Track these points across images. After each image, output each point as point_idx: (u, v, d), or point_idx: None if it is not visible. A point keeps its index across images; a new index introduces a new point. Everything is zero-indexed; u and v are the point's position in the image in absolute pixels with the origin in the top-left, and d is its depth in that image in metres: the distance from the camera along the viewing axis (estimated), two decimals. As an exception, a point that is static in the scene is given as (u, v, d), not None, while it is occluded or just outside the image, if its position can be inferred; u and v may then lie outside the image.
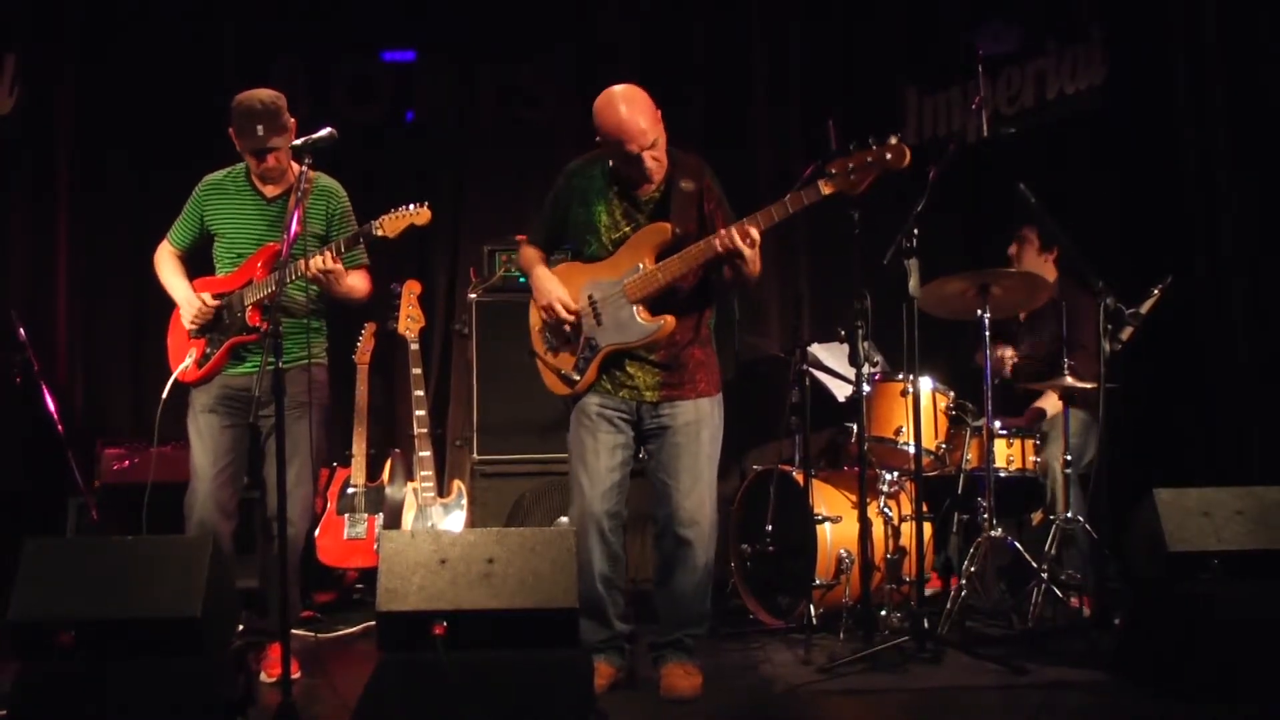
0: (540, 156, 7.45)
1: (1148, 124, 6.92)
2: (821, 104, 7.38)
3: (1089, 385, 5.73)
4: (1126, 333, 5.76)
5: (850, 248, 5.26)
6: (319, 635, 6.09)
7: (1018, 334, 6.63)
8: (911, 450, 5.69)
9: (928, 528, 5.88)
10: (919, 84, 7.93)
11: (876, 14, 7.95)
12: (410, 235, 7.32)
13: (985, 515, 5.78)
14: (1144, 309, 5.77)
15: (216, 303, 5.23)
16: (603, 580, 4.92)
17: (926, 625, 5.29)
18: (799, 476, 6.08)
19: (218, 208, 5.31)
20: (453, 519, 6.65)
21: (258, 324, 5.13)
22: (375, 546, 6.59)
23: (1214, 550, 4.68)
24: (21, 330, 6.69)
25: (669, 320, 4.81)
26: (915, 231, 5.27)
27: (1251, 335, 6.44)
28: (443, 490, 6.77)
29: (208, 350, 5.23)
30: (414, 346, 6.71)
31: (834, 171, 4.56)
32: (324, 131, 4.56)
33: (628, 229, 4.90)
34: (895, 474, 6.15)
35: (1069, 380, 5.76)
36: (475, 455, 6.88)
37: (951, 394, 6.20)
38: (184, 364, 5.25)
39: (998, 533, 5.78)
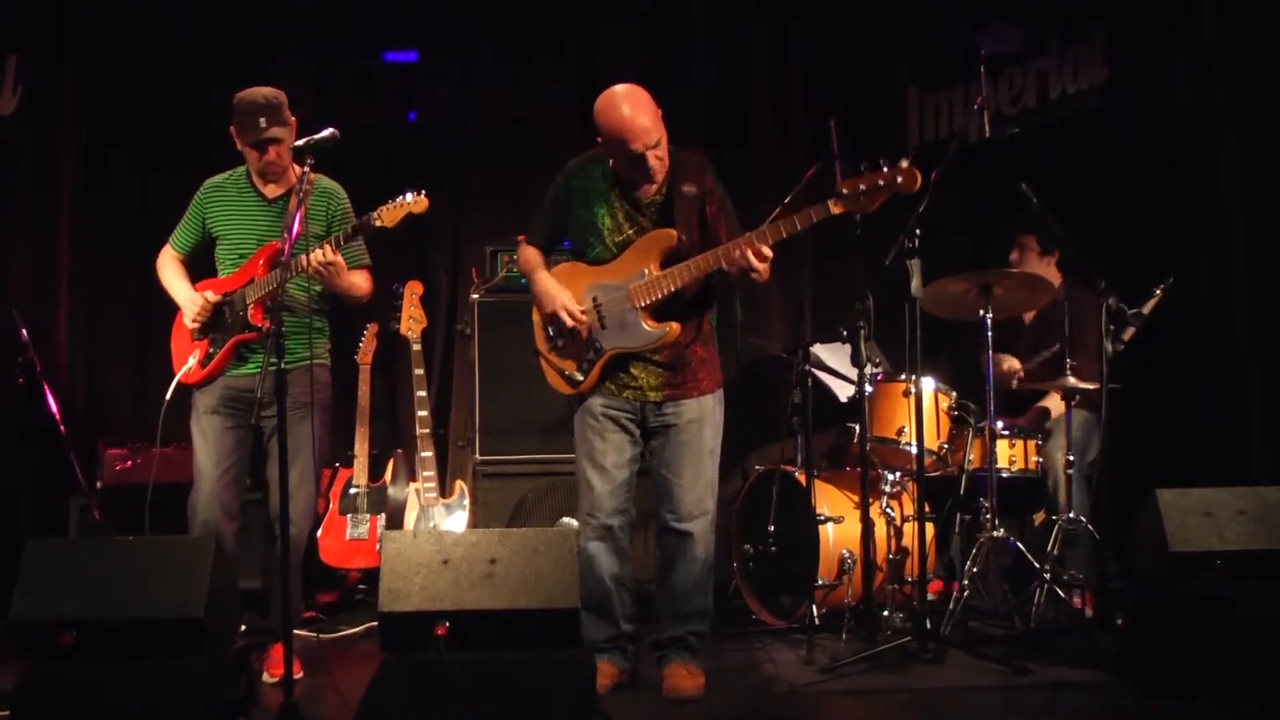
0: (542, 156, 7.43)
1: (1149, 124, 6.93)
2: (823, 103, 7.37)
3: (1092, 386, 5.73)
4: (1129, 333, 5.76)
5: (852, 248, 5.25)
6: (321, 636, 6.09)
7: (1022, 337, 6.60)
8: (914, 450, 5.68)
9: (930, 528, 5.88)
10: (920, 83, 7.93)
11: (878, 13, 7.95)
12: (412, 235, 7.40)
13: (987, 515, 5.78)
14: (1146, 309, 5.77)
15: (217, 298, 5.24)
16: (611, 578, 4.94)
17: (929, 625, 5.29)
18: (801, 477, 6.08)
19: (219, 210, 5.32)
20: (455, 519, 6.65)
21: (260, 322, 5.14)
22: (377, 547, 6.59)
23: (1216, 550, 4.68)
24: (24, 330, 6.69)
25: (674, 327, 4.82)
26: (917, 232, 5.26)
27: (1254, 335, 6.45)
28: (445, 491, 6.78)
29: (211, 350, 5.24)
30: (416, 347, 6.71)
31: (845, 192, 4.56)
32: (326, 132, 4.56)
33: (631, 232, 4.90)
34: (897, 474, 6.15)
35: (1072, 381, 5.76)
36: (477, 455, 6.87)
37: (954, 394, 6.19)
38: (187, 365, 5.26)
39: (1000, 533, 5.78)
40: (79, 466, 6.60)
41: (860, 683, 5.02)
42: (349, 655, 5.84)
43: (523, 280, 6.54)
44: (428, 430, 6.65)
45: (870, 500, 5.63)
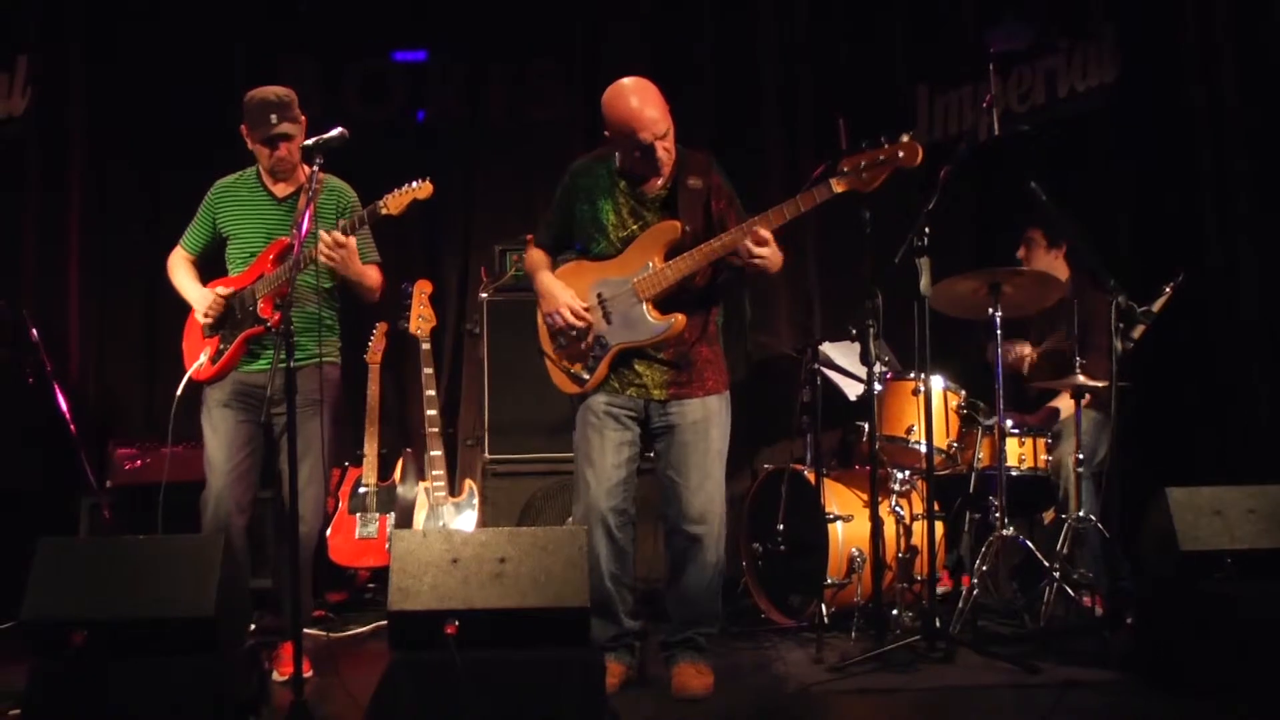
0: (551, 156, 7.44)
1: (1159, 122, 6.91)
2: (832, 102, 7.37)
3: (1101, 384, 5.73)
4: (1138, 331, 5.75)
5: (861, 246, 5.25)
6: (331, 634, 6.11)
7: (1031, 328, 6.59)
8: (923, 449, 5.68)
9: (939, 527, 5.89)
10: (930, 82, 7.92)
11: (887, 12, 7.94)
12: (421, 234, 7.41)
13: (997, 514, 5.77)
14: (1156, 307, 5.76)
15: (228, 292, 5.25)
16: (611, 578, 4.93)
17: (938, 624, 5.29)
18: (810, 475, 6.08)
19: (230, 209, 5.34)
20: (464, 518, 6.65)
21: (269, 315, 5.15)
22: (387, 546, 6.58)
23: (1226, 549, 4.68)
24: (34, 330, 6.71)
25: (680, 318, 4.81)
26: (926, 230, 5.26)
27: (1264, 333, 6.43)
28: (454, 489, 6.78)
29: (221, 346, 5.26)
30: (425, 346, 6.72)
31: (846, 169, 4.55)
32: (335, 131, 4.57)
33: (635, 227, 4.90)
34: (907, 473, 6.15)
35: (1081, 379, 5.75)
36: (487, 454, 6.88)
37: (963, 393, 6.19)
38: (198, 361, 5.27)
39: (1009, 532, 5.77)
40: (89, 466, 6.61)
41: (870, 682, 5.01)
42: (358, 654, 5.85)
43: (531, 279, 6.58)
44: (437, 429, 6.66)
45: (879, 499, 5.63)
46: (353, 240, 5.08)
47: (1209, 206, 6.66)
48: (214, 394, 5.29)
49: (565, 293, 4.94)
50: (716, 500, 4.93)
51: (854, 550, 5.94)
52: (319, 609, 6.43)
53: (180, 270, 5.43)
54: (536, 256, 5.16)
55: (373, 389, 6.94)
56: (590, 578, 4.20)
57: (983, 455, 6.08)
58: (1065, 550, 5.77)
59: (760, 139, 7.95)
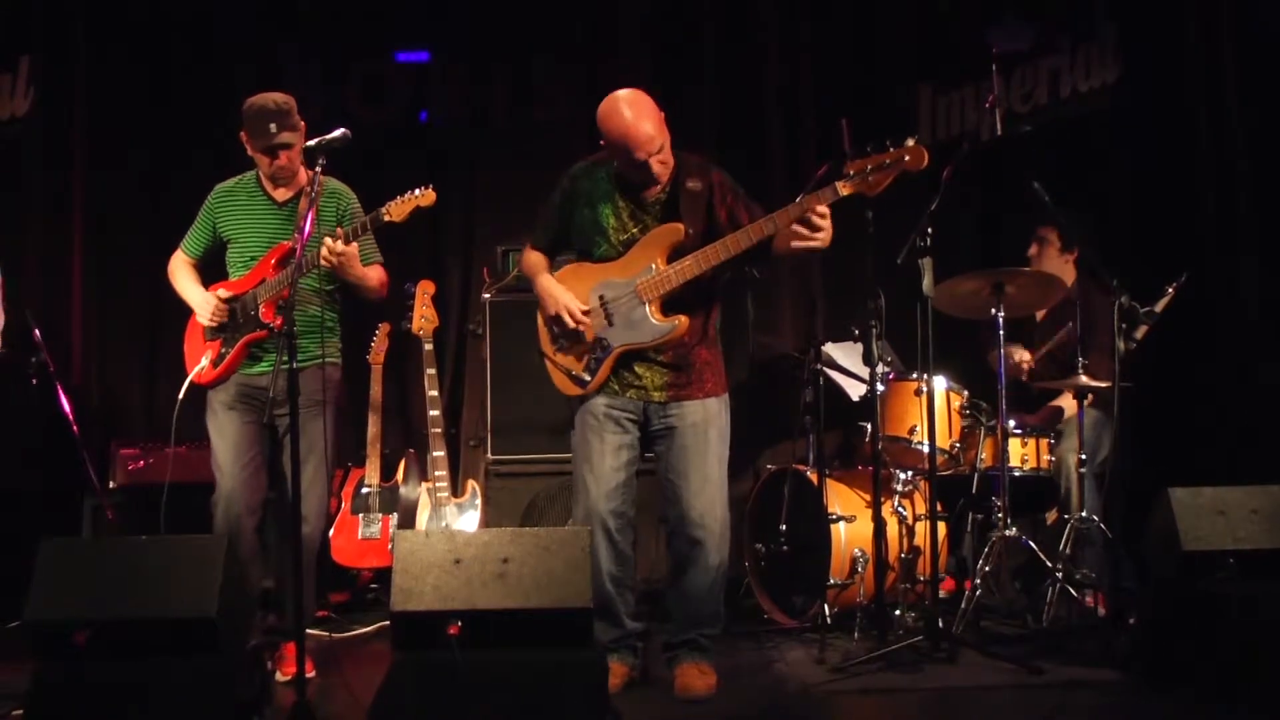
0: (553, 156, 7.39)
1: (1161, 122, 6.91)
2: (834, 103, 7.37)
3: (1104, 384, 5.72)
4: (1141, 331, 5.74)
5: (864, 247, 5.25)
6: (334, 635, 6.11)
7: (1034, 333, 6.60)
8: (925, 449, 5.68)
9: (942, 527, 5.89)
10: (933, 82, 7.92)
11: (890, 12, 7.94)
12: (424, 235, 7.42)
13: (999, 514, 5.77)
14: (1159, 308, 5.76)
15: (230, 295, 5.26)
16: (611, 580, 4.93)
17: (941, 625, 5.29)
18: (813, 476, 6.08)
19: (230, 213, 5.35)
20: (467, 519, 6.65)
21: (271, 320, 5.16)
22: (389, 546, 6.58)
23: (1229, 549, 4.68)
24: (37, 331, 6.71)
25: (683, 320, 4.81)
26: (929, 230, 5.26)
27: (1267, 333, 6.43)
28: (457, 490, 6.78)
29: (223, 350, 5.26)
30: (428, 347, 6.72)
31: (852, 173, 4.55)
32: (337, 132, 4.57)
33: (635, 230, 4.90)
34: (909, 473, 6.15)
35: (1084, 379, 5.75)
36: (489, 455, 6.88)
37: (965, 393, 6.18)
38: (200, 365, 5.28)
39: (1012, 532, 5.77)
40: (92, 467, 6.61)
41: (873, 682, 5.02)
42: (361, 654, 5.85)
43: (532, 281, 6.57)
44: (439, 430, 6.66)
45: (882, 499, 5.63)
46: (353, 247, 5.09)
47: (1211, 206, 6.66)
48: (218, 396, 5.29)
49: (565, 295, 4.94)
50: (718, 502, 4.93)
51: (856, 551, 5.94)
52: (322, 609, 6.43)
53: (181, 273, 5.44)
54: (534, 259, 5.16)
55: (375, 390, 6.94)
56: (591, 580, 4.21)
57: (985, 455, 6.08)
58: (1068, 550, 5.77)
59: (762, 139, 7.94)
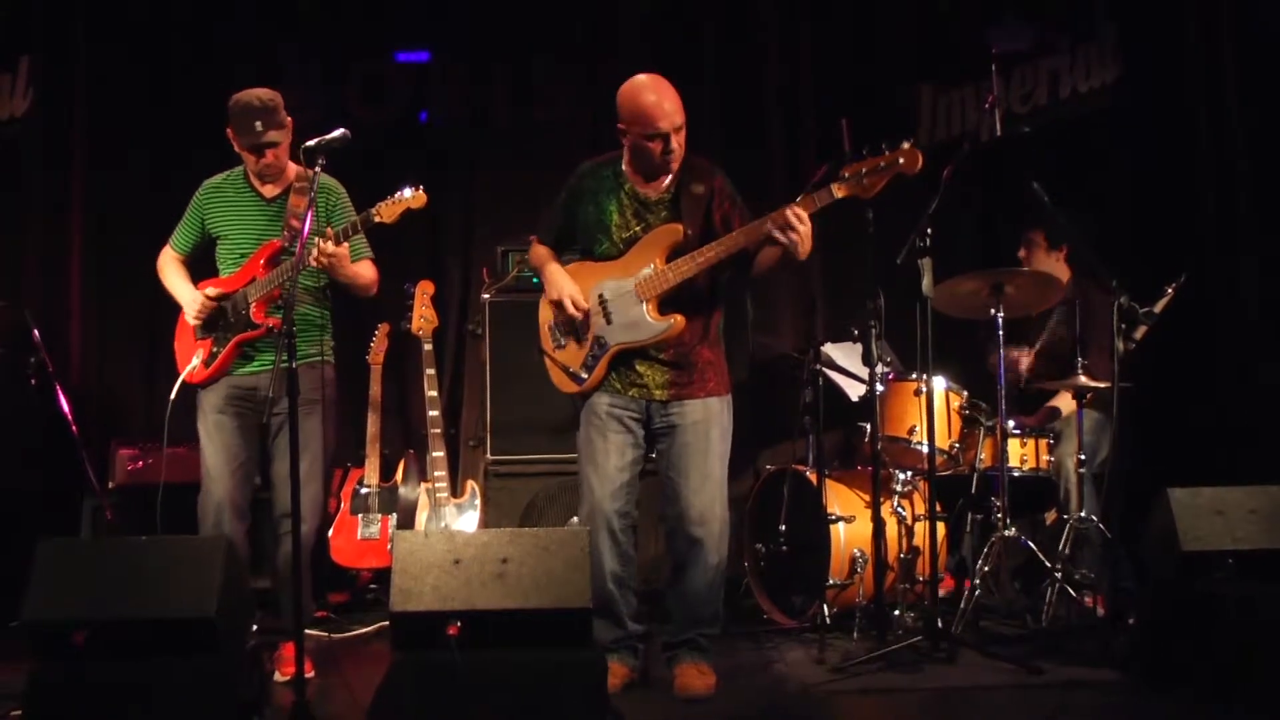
0: (553, 156, 7.42)
1: (1161, 122, 6.91)
2: (835, 103, 7.37)
3: (1103, 384, 5.73)
4: (1140, 331, 5.75)
5: (863, 247, 5.26)
6: (332, 635, 6.11)
7: (1029, 331, 6.59)
8: (925, 450, 5.68)
9: (941, 527, 5.89)
10: (933, 82, 7.92)
11: (890, 12, 7.94)
12: (423, 235, 7.42)
13: (999, 515, 5.77)
14: (1158, 308, 5.76)
15: (218, 293, 5.25)
16: (614, 580, 4.93)
17: (940, 625, 5.29)
18: (812, 476, 6.08)
19: (218, 210, 5.35)
20: (466, 519, 6.65)
21: (262, 320, 5.16)
22: (389, 547, 6.58)
23: (1228, 549, 4.68)
24: (35, 331, 6.71)
25: (679, 319, 4.82)
26: (929, 230, 5.27)
27: (1267, 333, 6.43)
28: (456, 490, 6.78)
29: (214, 349, 5.26)
30: (427, 347, 6.72)
31: (847, 175, 4.57)
32: (337, 132, 4.57)
33: (638, 228, 4.91)
34: (909, 473, 6.15)
35: (1083, 379, 5.76)
36: (489, 455, 6.88)
37: (965, 393, 6.19)
38: (191, 365, 5.27)
39: (1011, 532, 5.77)
40: (91, 467, 6.61)
41: (872, 682, 5.02)
42: (360, 655, 5.85)
43: (534, 280, 6.59)
44: (439, 430, 6.65)
45: (881, 499, 5.64)
46: (344, 247, 5.09)
47: (1210, 206, 6.66)
48: (208, 399, 5.28)
49: (570, 283, 4.97)
50: (718, 502, 4.94)
51: (856, 551, 5.94)
52: (321, 610, 6.43)
53: (170, 270, 5.43)
54: (542, 251, 5.18)
55: (375, 390, 6.94)
56: (593, 579, 4.21)
57: (984, 456, 6.09)
58: (1067, 551, 5.77)
59: (762, 139, 7.95)
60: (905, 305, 5.42)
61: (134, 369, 7.70)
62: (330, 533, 6.67)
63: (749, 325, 6.92)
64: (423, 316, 6.71)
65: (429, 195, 5.04)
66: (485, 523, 6.66)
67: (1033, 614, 5.78)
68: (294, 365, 4.35)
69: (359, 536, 6.78)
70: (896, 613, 5.86)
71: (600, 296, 4.92)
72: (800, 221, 4.58)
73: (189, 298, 5.32)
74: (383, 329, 6.95)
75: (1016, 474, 6.02)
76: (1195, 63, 6.74)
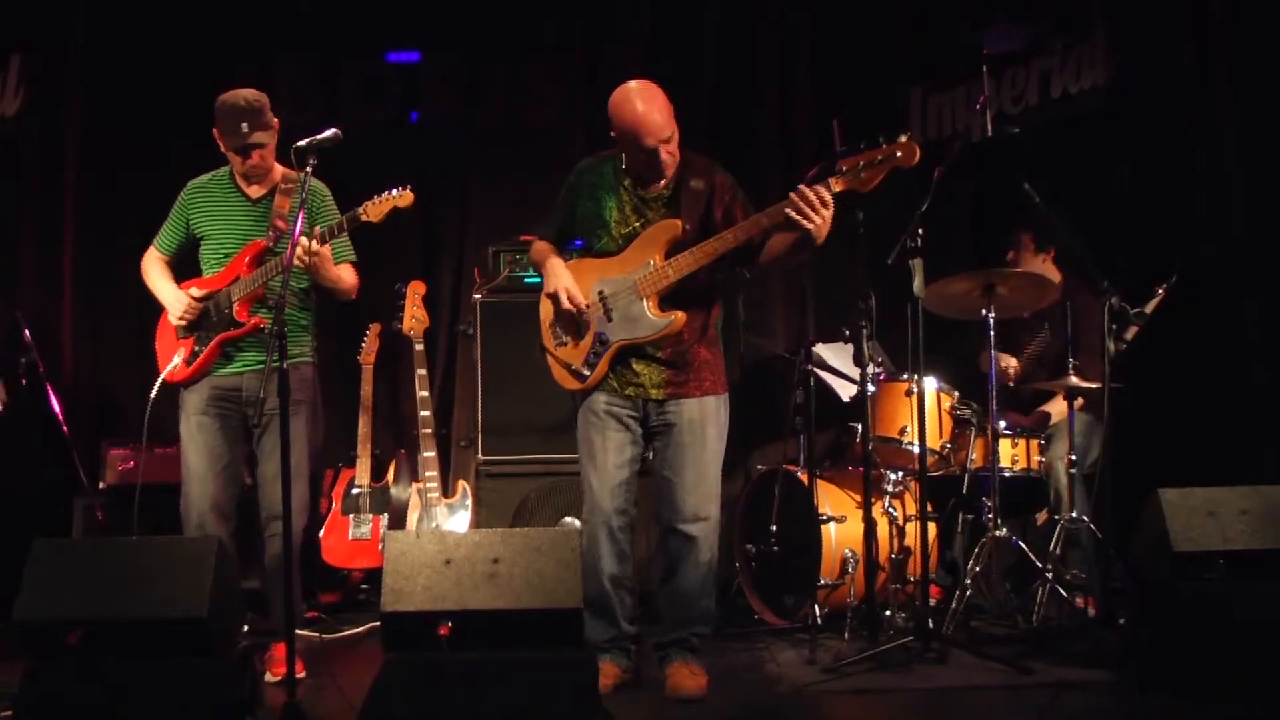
0: (546, 157, 7.45)
1: (1154, 122, 6.92)
2: (828, 103, 7.38)
3: (1094, 385, 5.74)
4: (1131, 332, 5.75)
5: (855, 247, 5.26)
6: (324, 635, 6.08)
7: (1021, 334, 6.60)
8: (916, 450, 5.68)
9: (932, 528, 5.89)
10: (924, 83, 7.93)
11: (883, 13, 7.94)
12: (415, 236, 7.41)
13: (990, 515, 5.78)
14: (1149, 308, 5.77)
15: (202, 293, 5.24)
16: (611, 579, 4.94)
17: (931, 625, 5.30)
18: (803, 476, 6.08)
19: (203, 210, 5.34)
20: (457, 519, 6.65)
21: (245, 319, 5.16)
22: (380, 547, 6.60)
23: (1219, 550, 4.69)
24: (27, 332, 6.70)
25: (679, 316, 4.82)
26: (920, 231, 5.27)
27: (1260, 333, 6.43)
28: (447, 490, 6.78)
29: (196, 348, 5.25)
30: (419, 347, 6.71)
31: (844, 169, 4.56)
32: (328, 133, 4.56)
33: (637, 224, 4.92)
34: (900, 474, 6.15)
35: (1075, 380, 5.77)
36: (480, 455, 6.87)
37: (956, 394, 6.19)
38: (172, 364, 5.27)
39: (1002, 533, 5.78)
40: (82, 467, 6.60)
41: (863, 682, 5.02)
42: (352, 655, 5.85)
43: (526, 279, 6.60)
44: (430, 430, 6.65)
45: (873, 500, 5.65)
46: (328, 248, 5.09)
47: (1203, 207, 6.67)
48: (191, 400, 5.28)
49: (568, 278, 4.97)
50: (711, 500, 4.95)
51: (847, 551, 5.94)
52: (312, 610, 6.42)
53: (154, 271, 5.43)
54: (542, 247, 5.18)
55: (366, 390, 6.93)
56: (590, 578, 4.22)
57: (976, 456, 6.10)
58: (1058, 551, 5.79)
59: (756, 139, 7.95)
60: (896, 306, 5.43)
61: (125, 369, 7.67)
62: (322, 533, 6.66)
63: (741, 326, 6.92)
64: (414, 317, 6.71)
65: (421, 196, 5.04)
66: (476, 523, 6.65)
67: (1024, 614, 5.78)
68: (272, 366, 4.33)
69: (350, 537, 6.77)
70: (888, 613, 5.87)
71: (600, 293, 4.93)
72: (824, 204, 4.52)
73: (172, 297, 5.31)
74: (374, 329, 6.95)
75: (1008, 474, 6.03)
76: (1188, 62, 6.74)
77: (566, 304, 4.92)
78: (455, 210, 7.90)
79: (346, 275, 5.35)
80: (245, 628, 5.14)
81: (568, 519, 6.52)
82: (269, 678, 5.07)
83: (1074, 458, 5.87)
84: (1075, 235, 6.00)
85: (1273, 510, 4.75)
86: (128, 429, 7.36)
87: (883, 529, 5.97)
